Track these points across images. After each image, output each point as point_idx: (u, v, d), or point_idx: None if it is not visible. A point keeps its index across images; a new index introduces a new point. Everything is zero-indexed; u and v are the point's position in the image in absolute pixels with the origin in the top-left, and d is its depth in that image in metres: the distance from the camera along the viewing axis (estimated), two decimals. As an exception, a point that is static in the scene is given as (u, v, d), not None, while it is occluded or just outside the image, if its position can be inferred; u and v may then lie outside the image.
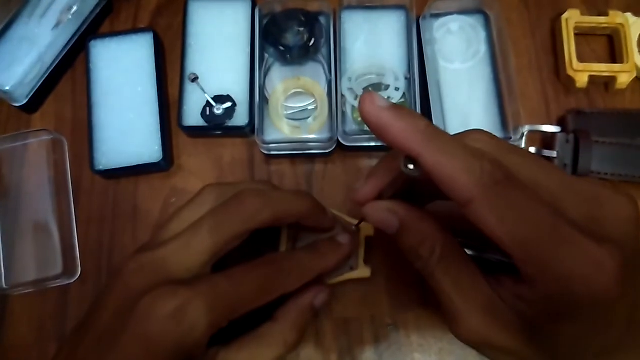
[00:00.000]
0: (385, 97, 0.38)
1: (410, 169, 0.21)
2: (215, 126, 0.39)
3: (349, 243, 0.31)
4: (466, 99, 0.40)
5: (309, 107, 0.40)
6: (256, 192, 0.28)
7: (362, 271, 0.33)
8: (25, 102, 0.41)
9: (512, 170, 0.21)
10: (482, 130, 0.24)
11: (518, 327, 0.22)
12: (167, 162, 0.40)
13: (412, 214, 0.24)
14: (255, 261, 0.28)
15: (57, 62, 0.42)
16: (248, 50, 0.41)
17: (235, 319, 0.26)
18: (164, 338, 0.23)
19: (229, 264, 0.27)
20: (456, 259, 0.24)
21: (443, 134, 0.21)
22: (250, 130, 0.39)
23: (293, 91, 0.40)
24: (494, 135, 0.23)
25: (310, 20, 0.40)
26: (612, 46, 0.43)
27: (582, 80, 0.40)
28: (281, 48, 0.40)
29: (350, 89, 0.39)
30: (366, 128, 0.39)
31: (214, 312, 0.24)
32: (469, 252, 0.25)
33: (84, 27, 0.42)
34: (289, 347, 0.28)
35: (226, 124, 0.39)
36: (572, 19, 0.41)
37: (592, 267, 0.19)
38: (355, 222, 0.33)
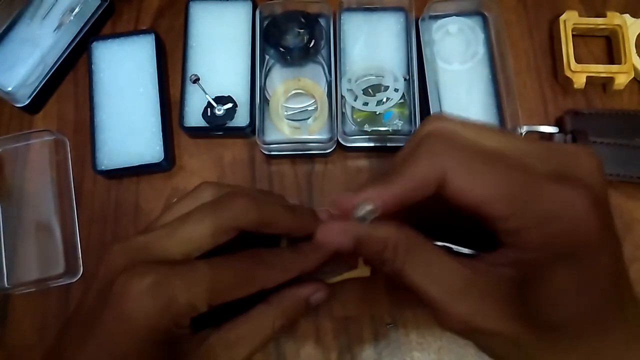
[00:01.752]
0: (384, 99, 0.39)
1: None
2: (216, 127, 0.39)
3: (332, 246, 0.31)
4: (465, 99, 0.40)
5: (309, 108, 0.40)
6: (247, 194, 0.28)
7: (362, 270, 0.33)
8: (27, 102, 0.41)
9: (480, 142, 0.23)
10: (438, 115, 0.25)
11: (501, 305, 0.22)
12: (168, 163, 0.40)
13: (365, 227, 0.24)
14: (238, 252, 0.28)
15: (59, 63, 0.42)
16: (249, 51, 0.41)
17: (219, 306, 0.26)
18: (140, 314, 0.23)
19: None
20: (421, 251, 0.23)
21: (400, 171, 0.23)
22: (250, 131, 0.40)
23: (293, 92, 0.40)
24: (453, 119, 0.25)
25: (310, 22, 0.41)
26: (609, 47, 0.43)
27: (579, 81, 0.41)
28: (281, 49, 0.40)
29: (350, 90, 0.39)
30: (365, 128, 0.39)
31: (191, 291, 0.24)
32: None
33: (86, 28, 0.43)
34: (276, 332, 0.29)
35: (227, 125, 0.39)
36: (570, 20, 0.42)
37: (566, 206, 0.20)
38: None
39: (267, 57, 0.41)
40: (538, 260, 0.21)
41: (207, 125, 0.39)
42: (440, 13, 0.42)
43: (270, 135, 0.40)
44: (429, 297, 0.23)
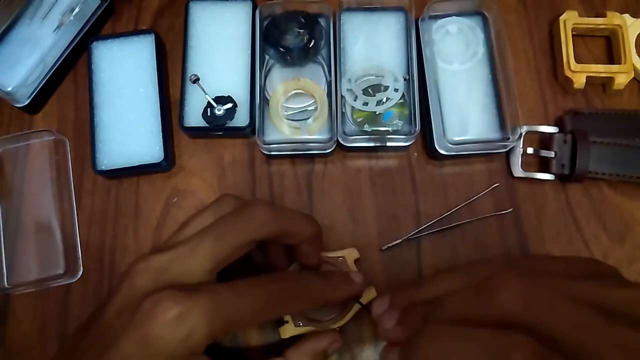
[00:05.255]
0: (384, 99, 0.39)
1: None
2: (216, 127, 0.39)
3: (361, 283, 0.32)
4: (465, 99, 0.40)
5: (309, 108, 0.40)
6: (266, 204, 0.28)
7: (369, 294, 0.33)
8: (27, 102, 0.41)
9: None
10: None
11: None
12: (168, 163, 0.40)
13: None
14: (264, 276, 0.28)
15: (59, 63, 0.42)
16: (249, 51, 0.41)
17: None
18: (162, 343, 0.24)
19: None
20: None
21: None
22: (250, 131, 0.40)
23: (293, 92, 0.40)
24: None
25: (310, 22, 0.41)
26: (609, 47, 0.43)
27: (579, 81, 0.41)
28: (281, 49, 0.40)
29: (350, 90, 0.39)
30: (365, 128, 0.39)
31: (213, 322, 0.25)
32: None
33: (86, 28, 0.43)
34: None
35: (227, 125, 0.39)
36: (570, 20, 0.42)
37: None
38: (338, 254, 0.34)
39: (267, 57, 0.41)
40: None
41: (207, 125, 0.39)
42: (440, 13, 0.42)
43: (270, 135, 0.40)
44: None
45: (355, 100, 0.39)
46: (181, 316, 0.24)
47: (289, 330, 0.32)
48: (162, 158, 0.39)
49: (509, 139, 0.38)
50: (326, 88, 0.40)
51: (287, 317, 0.33)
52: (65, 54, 0.42)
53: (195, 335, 0.24)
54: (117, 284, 0.27)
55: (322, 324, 0.33)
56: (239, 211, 0.28)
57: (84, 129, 0.41)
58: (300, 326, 0.32)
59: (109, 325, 0.26)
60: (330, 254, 0.34)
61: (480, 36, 0.42)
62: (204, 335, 0.25)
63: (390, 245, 0.30)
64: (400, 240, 0.30)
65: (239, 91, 0.40)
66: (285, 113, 0.40)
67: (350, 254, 0.34)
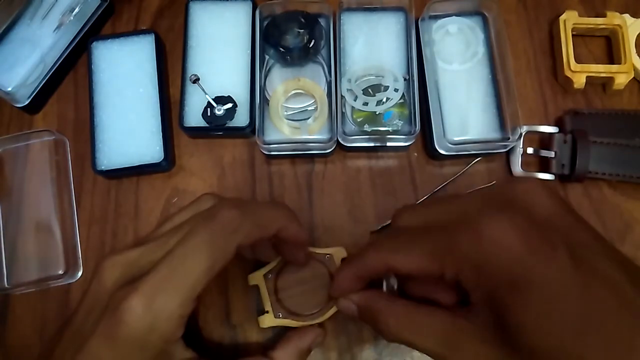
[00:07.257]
0: (384, 99, 0.39)
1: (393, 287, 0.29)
2: (216, 127, 0.39)
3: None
4: (465, 99, 0.40)
5: (309, 108, 0.40)
6: (236, 203, 0.28)
7: None
8: (27, 102, 0.41)
9: (415, 222, 0.27)
10: (401, 209, 0.29)
11: (486, 337, 0.24)
12: (168, 163, 0.40)
13: (364, 296, 0.28)
14: (212, 218, 0.27)
15: (59, 63, 0.42)
16: (248, 51, 0.41)
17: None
18: (129, 338, 0.24)
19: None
20: (415, 318, 0.26)
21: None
22: (250, 131, 0.40)
23: (293, 92, 0.40)
24: (408, 210, 0.29)
25: (310, 22, 0.41)
26: (609, 47, 0.43)
27: (579, 81, 0.41)
28: (281, 49, 0.40)
29: (350, 90, 0.39)
30: (365, 128, 0.39)
31: (171, 299, 0.25)
32: None
33: (86, 28, 0.43)
34: None
35: (227, 125, 0.39)
36: (570, 20, 0.42)
37: (474, 243, 0.23)
38: (326, 251, 0.34)
39: (267, 57, 0.41)
40: (495, 299, 0.23)
41: (207, 125, 0.39)
42: (440, 13, 0.42)
43: (270, 135, 0.40)
44: (428, 351, 0.25)
45: (355, 100, 0.39)
46: (139, 306, 0.24)
47: (268, 320, 0.33)
48: (162, 158, 0.39)
49: (509, 139, 0.38)
50: (326, 88, 0.40)
51: (268, 307, 0.33)
52: (65, 54, 0.42)
53: (160, 319, 0.24)
54: (89, 283, 0.28)
55: (303, 318, 0.33)
56: (211, 210, 0.28)
57: (84, 129, 0.41)
58: (280, 317, 0.33)
59: (81, 325, 0.26)
60: (318, 250, 0.34)
61: (480, 36, 0.42)
62: (167, 316, 0.25)
63: (380, 226, 0.31)
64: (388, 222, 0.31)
65: (239, 91, 0.40)
66: (285, 113, 0.40)
67: (337, 253, 0.34)
